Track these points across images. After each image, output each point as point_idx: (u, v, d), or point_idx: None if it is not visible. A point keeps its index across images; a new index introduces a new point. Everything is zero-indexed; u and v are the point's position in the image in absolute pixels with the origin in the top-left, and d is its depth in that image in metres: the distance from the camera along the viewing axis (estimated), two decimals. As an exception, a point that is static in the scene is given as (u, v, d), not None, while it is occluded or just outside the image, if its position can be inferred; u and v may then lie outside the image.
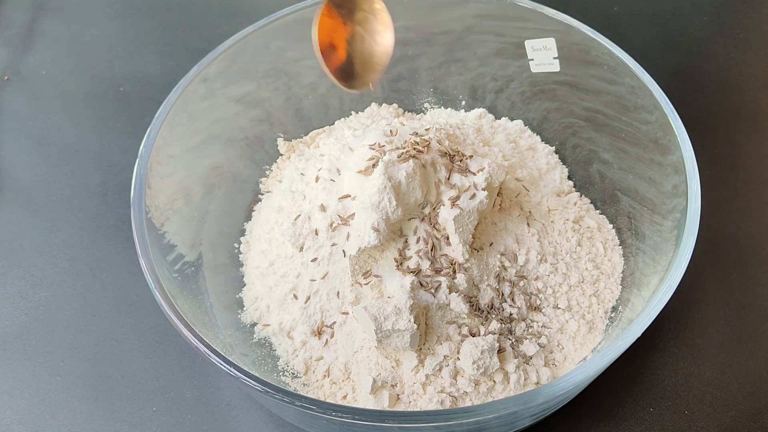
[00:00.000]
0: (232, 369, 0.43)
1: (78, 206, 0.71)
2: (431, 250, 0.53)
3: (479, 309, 0.53)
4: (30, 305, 0.64)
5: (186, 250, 0.57)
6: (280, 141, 0.72)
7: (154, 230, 0.52)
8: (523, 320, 0.55)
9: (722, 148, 0.75)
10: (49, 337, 0.62)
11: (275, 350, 0.56)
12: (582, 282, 0.57)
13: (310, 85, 0.74)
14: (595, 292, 0.57)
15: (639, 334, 0.43)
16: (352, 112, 0.77)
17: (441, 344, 0.50)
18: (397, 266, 0.53)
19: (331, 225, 0.55)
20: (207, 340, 0.46)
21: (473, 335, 0.51)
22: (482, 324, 0.52)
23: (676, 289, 0.46)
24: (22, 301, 0.65)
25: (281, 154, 0.72)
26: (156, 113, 0.58)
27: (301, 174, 0.64)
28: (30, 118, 0.80)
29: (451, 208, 0.53)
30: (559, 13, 0.64)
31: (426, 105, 0.78)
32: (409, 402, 0.50)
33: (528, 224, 0.59)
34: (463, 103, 0.77)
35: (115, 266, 0.66)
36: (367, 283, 0.52)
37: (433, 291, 0.51)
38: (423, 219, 0.54)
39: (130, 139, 0.75)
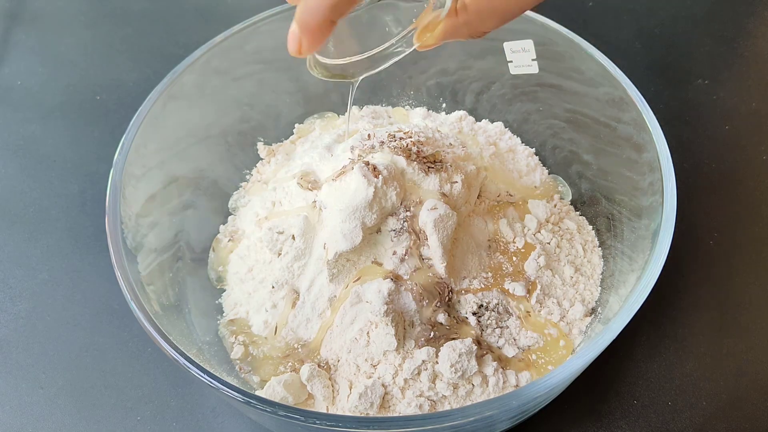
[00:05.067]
0: (212, 380, 0.43)
1: (56, 216, 0.71)
2: (410, 253, 0.52)
3: (458, 312, 0.53)
4: (9, 317, 0.64)
5: (163, 258, 0.56)
6: (260, 145, 0.72)
7: (129, 240, 0.52)
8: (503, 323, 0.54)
9: (699, 141, 0.75)
10: (29, 349, 0.61)
11: (255, 357, 0.56)
12: (562, 284, 0.57)
13: (290, 89, 0.74)
14: (575, 294, 0.57)
15: (614, 336, 0.43)
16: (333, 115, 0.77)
17: (420, 348, 0.50)
18: (375, 270, 0.52)
19: (308, 230, 0.55)
20: (185, 350, 0.45)
21: (452, 338, 0.51)
22: (461, 327, 0.52)
23: (656, 280, 0.46)
24: (2, 314, 0.64)
25: (261, 158, 0.72)
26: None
27: (279, 179, 0.64)
28: (5, 128, 0.80)
29: (430, 211, 0.53)
30: (536, 14, 0.64)
31: (407, 107, 0.78)
32: (389, 407, 0.50)
33: (508, 226, 0.59)
34: (444, 105, 0.77)
35: (95, 275, 0.66)
36: (345, 288, 0.52)
37: (411, 294, 0.51)
38: (401, 223, 0.54)
39: (107, 147, 0.74)
